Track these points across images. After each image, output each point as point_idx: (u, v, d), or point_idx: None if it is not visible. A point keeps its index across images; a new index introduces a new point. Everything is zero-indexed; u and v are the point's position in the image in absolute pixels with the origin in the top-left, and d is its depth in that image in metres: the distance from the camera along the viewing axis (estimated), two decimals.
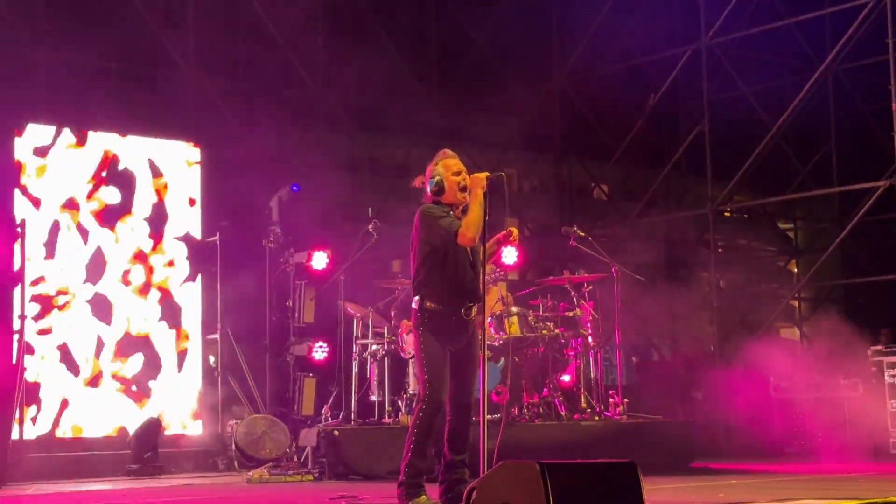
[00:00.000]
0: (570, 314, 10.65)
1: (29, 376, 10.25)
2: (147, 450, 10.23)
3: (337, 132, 14.82)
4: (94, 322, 10.97)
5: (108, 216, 11.14)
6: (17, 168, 10.62)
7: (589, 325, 10.70)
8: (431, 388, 6.29)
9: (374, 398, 10.41)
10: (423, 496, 6.27)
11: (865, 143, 16.51)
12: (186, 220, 11.60)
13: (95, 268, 11.02)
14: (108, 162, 11.18)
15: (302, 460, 9.97)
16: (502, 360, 10.10)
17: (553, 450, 9.26)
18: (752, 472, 10.03)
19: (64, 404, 10.73)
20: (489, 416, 6.55)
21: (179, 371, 11.40)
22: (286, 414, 11.18)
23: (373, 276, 11.15)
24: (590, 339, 10.69)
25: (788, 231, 19.71)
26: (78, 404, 10.79)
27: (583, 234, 11.04)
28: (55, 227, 10.83)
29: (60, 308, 10.80)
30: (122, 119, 11.55)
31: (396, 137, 15.47)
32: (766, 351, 12.69)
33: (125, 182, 11.25)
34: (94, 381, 10.90)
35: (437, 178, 6.43)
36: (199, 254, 11.55)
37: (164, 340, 11.33)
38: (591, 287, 10.96)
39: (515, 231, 6.58)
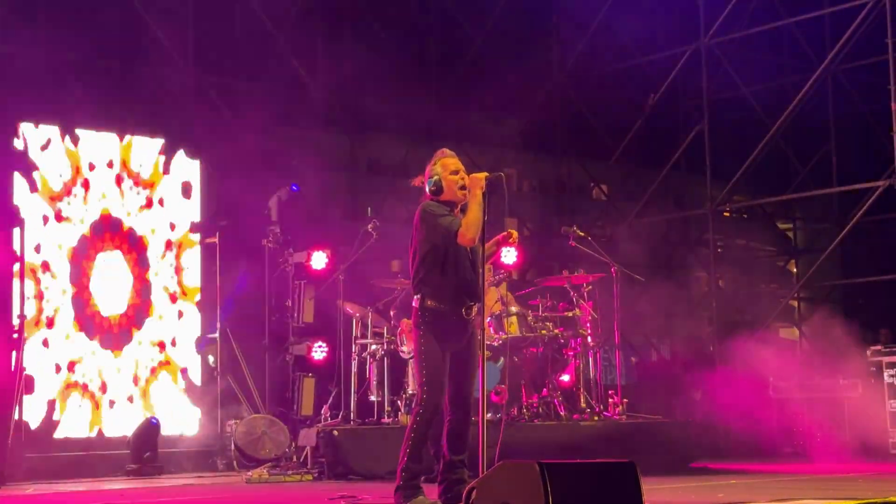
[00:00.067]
0: (570, 314, 10.65)
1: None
2: (146, 450, 10.23)
3: (336, 132, 14.82)
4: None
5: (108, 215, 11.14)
6: (15, 168, 10.60)
7: (588, 324, 10.70)
8: (429, 391, 6.29)
9: (373, 398, 10.40)
10: (421, 496, 6.27)
11: (865, 143, 16.52)
12: (186, 219, 11.59)
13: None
14: (108, 162, 11.18)
15: (301, 460, 9.97)
16: (501, 359, 10.09)
17: (552, 450, 9.25)
18: (752, 472, 10.03)
19: (63, 403, 10.73)
20: (488, 416, 6.53)
21: (178, 371, 11.39)
22: (285, 414, 11.17)
23: (372, 275, 11.15)
24: (589, 339, 10.69)
25: (788, 231, 19.71)
26: (78, 404, 10.79)
27: (582, 233, 11.04)
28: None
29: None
30: (120, 119, 11.53)
31: (396, 137, 15.47)
32: (763, 350, 12.69)
33: (125, 182, 11.25)
34: (93, 381, 10.90)
35: (435, 177, 6.44)
36: (199, 253, 11.55)
37: (163, 339, 11.33)
38: (590, 287, 10.96)
39: (515, 233, 6.59)
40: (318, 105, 14.46)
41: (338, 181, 14.66)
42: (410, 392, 9.90)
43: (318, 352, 11.52)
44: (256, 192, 12.11)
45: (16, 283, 10.10)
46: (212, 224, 11.55)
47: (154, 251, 11.39)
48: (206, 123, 12.57)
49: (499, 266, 10.47)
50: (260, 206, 12.08)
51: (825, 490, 7.67)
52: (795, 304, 17.20)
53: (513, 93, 16.02)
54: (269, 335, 11.55)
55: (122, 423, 10.91)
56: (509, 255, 10.84)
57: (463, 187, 6.38)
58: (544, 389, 10.33)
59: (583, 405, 10.45)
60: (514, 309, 10.37)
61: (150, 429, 10.40)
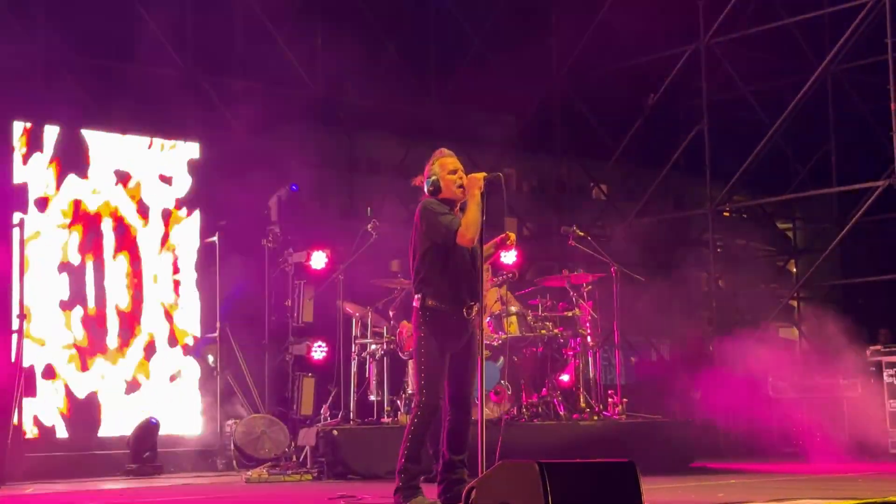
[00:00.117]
0: (569, 314, 10.65)
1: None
2: (146, 449, 10.23)
3: (336, 131, 14.83)
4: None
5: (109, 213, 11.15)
6: (14, 168, 10.60)
7: (588, 324, 10.70)
8: (428, 391, 6.29)
9: (372, 398, 10.40)
10: (420, 496, 6.27)
11: (864, 143, 16.52)
12: (185, 218, 11.59)
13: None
14: (108, 161, 11.18)
15: (301, 460, 9.97)
16: (501, 359, 10.10)
17: (552, 449, 9.25)
18: (751, 471, 10.03)
19: (64, 403, 10.73)
20: (488, 415, 6.54)
21: (178, 370, 11.39)
22: (285, 413, 11.17)
23: (372, 275, 11.15)
24: (589, 338, 10.69)
25: (787, 231, 19.73)
26: (77, 403, 10.79)
27: (582, 233, 11.04)
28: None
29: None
30: (120, 118, 11.54)
31: (395, 137, 15.48)
32: (763, 350, 12.69)
33: (124, 182, 11.26)
34: (93, 380, 10.90)
35: (433, 177, 6.45)
36: (199, 253, 11.55)
37: (163, 340, 11.32)
38: (590, 287, 10.95)
39: (512, 235, 6.59)
40: (318, 104, 14.47)
41: (337, 181, 14.67)
42: (410, 392, 9.90)
43: (318, 351, 11.53)
44: (256, 192, 12.11)
45: (15, 282, 10.10)
46: (212, 224, 11.55)
47: (150, 252, 11.39)
48: (205, 123, 12.57)
49: (499, 267, 10.47)
50: (259, 205, 12.09)
51: (824, 490, 7.67)
52: (795, 303, 17.21)
53: (512, 92, 16.04)
54: (269, 335, 11.55)
55: (120, 422, 10.92)
56: (509, 255, 10.85)
57: (461, 187, 6.39)
58: (544, 389, 10.33)
59: (582, 405, 10.44)
60: (513, 309, 10.37)
61: (150, 428, 10.39)
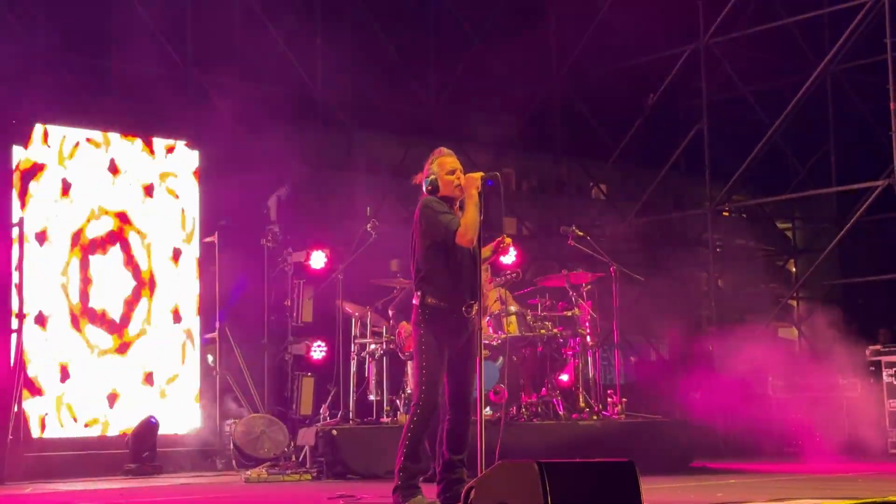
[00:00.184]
0: (569, 313, 10.65)
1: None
2: (145, 449, 10.23)
3: (335, 131, 14.82)
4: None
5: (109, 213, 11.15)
6: (14, 168, 10.60)
7: (587, 324, 10.70)
8: (427, 390, 6.29)
9: (372, 397, 10.40)
10: (420, 496, 6.27)
11: (864, 142, 16.52)
12: (185, 218, 11.59)
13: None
14: (107, 161, 11.19)
15: (300, 460, 9.97)
16: (500, 359, 10.09)
17: (551, 449, 9.25)
18: (751, 471, 10.03)
19: (63, 402, 10.73)
20: (487, 415, 6.54)
21: (178, 370, 11.39)
22: (284, 413, 11.18)
23: (371, 275, 11.15)
24: (588, 338, 10.69)
25: (787, 231, 19.72)
26: (76, 402, 10.79)
27: (581, 233, 11.04)
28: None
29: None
30: (119, 117, 11.54)
31: (395, 136, 15.47)
32: (762, 350, 12.70)
33: (125, 181, 11.26)
34: (91, 379, 10.91)
35: (431, 177, 6.46)
36: (198, 252, 11.55)
37: (162, 339, 11.32)
38: (589, 286, 10.95)
39: (508, 239, 6.59)
40: (317, 104, 14.47)
41: (337, 180, 14.66)
42: (409, 391, 9.90)
43: (317, 351, 11.53)
44: (255, 192, 12.11)
45: (15, 281, 10.10)
46: (211, 223, 11.55)
47: (148, 252, 11.39)
48: (204, 122, 12.57)
49: (500, 267, 10.47)
50: (258, 205, 12.09)
51: (824, 490, 7.67)
52: (794, 303, 17.21)
53: (512, 92, 16.03)
54: (268, 335, 11.56)
55: (120, 422, 10.92)
56: (508, 256, 10.84)
57: (459, 186, 6.39)
58: (543, 389, 10.33)
59: (582, 405, 10.44)
60: (513, 308, 10.37)
61: (149, 428, 10.39)
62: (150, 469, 10.13)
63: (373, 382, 10.42)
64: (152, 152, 11.47)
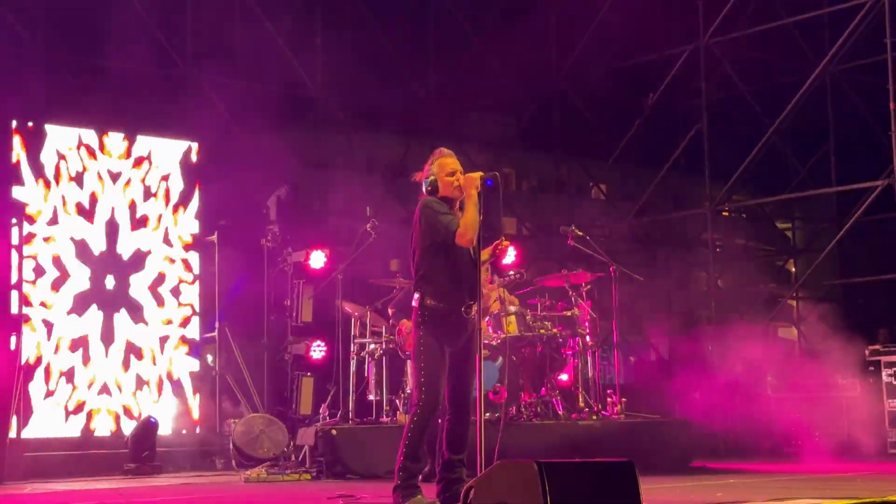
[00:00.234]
0: (568, 313, 10.65)
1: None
2: (144, 449, 10.22)
3: (335, 131, 14.82)
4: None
5: (109, 213, 11.14)
6: (13, 165, 10.60)
7: (587, 324, 10.70)
8: (427, 390, 6.29)
9: (371, 397, 10.40)
10: (420, 496, 6.27)
11: (863, 142, 16.52)
12: (184, 218, 11.59)
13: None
14: (106, 160, 11.19)
15: (300, 459, 9.97)
16: (500, 359, 10.09)
17: (551, 449, 9.25)
18: (750, 471, 10.03)
19: (63, 402, 10.73)
20: (486, 415, 6.54)
21: (178, 370, 11.40)
22: (284, 413, 11.17)
23: (371, 275, 11.14)
24: (588, 338, 10.69)
25: (786, 231, 19.73)
26: (76, 402, 10.79)
27: (581, 233, 11.04)
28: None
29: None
30: (119, 117, 11.53)
31: (394, 136, 15.48)
32: (762, 350, 12.70)
33: (125, 180, 11.26)
34: (91, 379, 10.91)
35: (431, 178, 6.46)
36: (198, 252, 11.55)
37: (162, 339, 11.33)
38: (588, 286, 10.95)
39: (506, 242, 6.60)
40: (317, 103, 14.47)
41: (336, 180, 14.66)
42: (409, 391, 9.89)
43: (317, 351, 11.53)
44: (254, 192, 12.11)
45: (14, 280, 10.10)
46: (210, 223, 11.55)
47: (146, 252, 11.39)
48: (203, 121, 12.57)
49: (502, 267, 10.47)
50: (258, 205, 12.09)
51: (823, 490, 7.67)
52: (794, 303, 17.22)
53: (511, 92, 16.03)
54: (268, 334, 11.55)
55: (119, 422, 10.92)
56: (508, 256, 10.84)
57: (458, 187, 6.39)
58: (543, 389, 10.33)
59: (581, 404, 10.45)
60: (512, 308, 10.36)
61: (149, 428, 10.39)
62: (150, 469, 10.12)
63: (372, 382, 10.41)
64: (152, 151, 11.46)
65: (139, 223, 11.32)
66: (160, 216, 11.44)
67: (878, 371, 12.03)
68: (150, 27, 12.96)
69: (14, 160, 10.61)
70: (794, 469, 10.22)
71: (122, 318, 11.13)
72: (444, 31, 15.93)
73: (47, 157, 10.86)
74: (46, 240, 10.79)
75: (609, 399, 10.65)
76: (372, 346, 10.43)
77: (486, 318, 10.06)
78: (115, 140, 11.30)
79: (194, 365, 11.49)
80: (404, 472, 6.28)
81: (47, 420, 10.63)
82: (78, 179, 11.01)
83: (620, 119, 16.56)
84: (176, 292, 11.46)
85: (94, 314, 10.99)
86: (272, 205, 11.97)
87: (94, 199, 11.09)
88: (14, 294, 10.05)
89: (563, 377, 10.67)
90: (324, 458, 9.50)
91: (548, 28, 16.72)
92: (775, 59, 16.77)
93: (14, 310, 10.00)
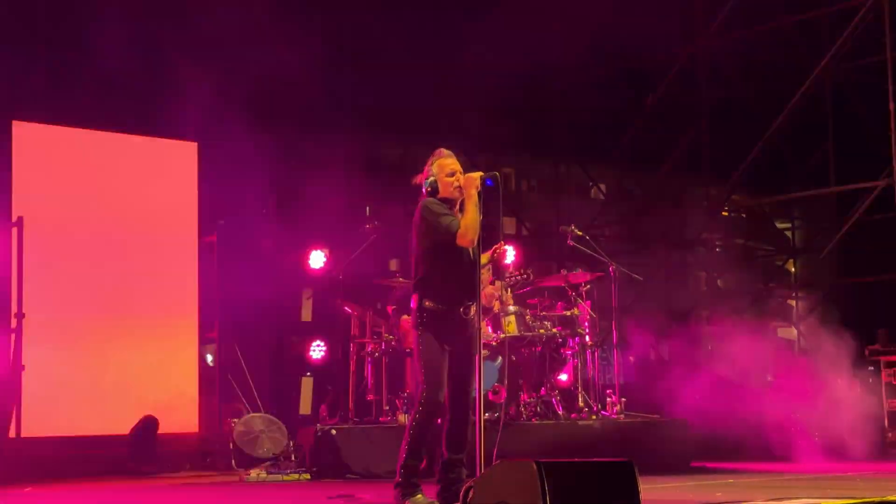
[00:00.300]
0: (568, 313, 10.65)
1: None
2: (144, 449, 10.22)
3: (334, 131, 14.81)
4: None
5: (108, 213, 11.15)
6: (13, 166, 10.61)
7: (586, 324, 10.71)
8: (429, 390, 6.30)
9: (371, 397, 10.41)
10: (420, 495, 6.27)
11: (863, 142, 16.52)
12: (184, 218, 11.59)
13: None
14: (108, 160, 11.19)
15: (299, 459, 9.96)
16: (500, 359, 10.09)
17: (550, 449, 9.25)
18: (749, 471, 10.03)
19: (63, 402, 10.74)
20: (486, 415, 6.54)
21: (177, 369, 11.40)
22: (284, 413, 11.17)
23: (371, 275, 11.15)
24: (587, 338, 10.69)
25: (786, 231, 19.72)
26: (75, 402, 10.79)
27: (580, 233, 11.04)
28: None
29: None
30: (119, 117, 11.54)
31: (394, 135, 15.48)
32: (762, 350, 12.70)
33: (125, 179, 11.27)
34: (91, 379, 10.91)
35: (431, 178, 6.47)
36: (198, 252, 11.56)
37: (162, 339, 11.33)
38: (588, 286, 10.96)
39: (504, 247, 6.61)
40: (317, 103, 14.46)
41: (336, 180, 14.65)
42: (409, 391, 9.90)
43: (317, 351, 11.55)
44: (255, 191, 12.11)
45: (13, 281, 10.10)
46: (211, 223, 11.56)
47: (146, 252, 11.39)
48: (203, 121, 12.57)
49: (503, 268, 10.48)
50: (258, 205, 12.09)
51: (822, 489, 7.67)
52: (794, 303, 17.22)
53: (511, 91, 16.03)
54: (268, 334, 11.56)
55: (119, 422, 10.92)
56: (507, 256, 10.85)
57: (459, 188, 6.40)
58: (542, 389, 10.33)
59: (581, 404, 10.45)
60: (512, 308, 10.37)
61: (149, 427, 10.39)
62: (150, 468, 10.13)
63: (372, 382, 10.42)
64: (152, 151, 11.46)
65: (139, 223, 11.32)
66: (160, 216, 11.44)
67: (878, 371, 12.04)
68: (149, 25, 12.95)
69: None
70: (794, 469, 10.22)
71: (121, 317, 11.12)
72: (443, 30, 15.92)
73: (44, 156, 10.86)
74: (47, 240, 10.79)
75: (608, 399, 10.65)
76: (371, 346, 10.44)
77: (485, 318, 10.07)
78: (116, 140, 11.29)
79: (194, 364, 11.48)
80: (406, 469, 6.30)
81: (47, 420, 10.63)
82: (78, 179, 11.01)
83: (620, 119, 16.56)
84: (176, 292, 11.46)
85: (94, 314, 10.98)
86: (272, 205, 11.98)
87: (94, 199, 11.09)
88: (13, 293, 10.06)
89: (563, 377, 10.68)
90: (323, 459, 9.50)
91: (548, 28, 16.71)
92: (775, 59, 16.77)
93: (13, 309, 10.01)
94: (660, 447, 10.10)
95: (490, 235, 6.54)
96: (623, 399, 10.65)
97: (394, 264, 13.70)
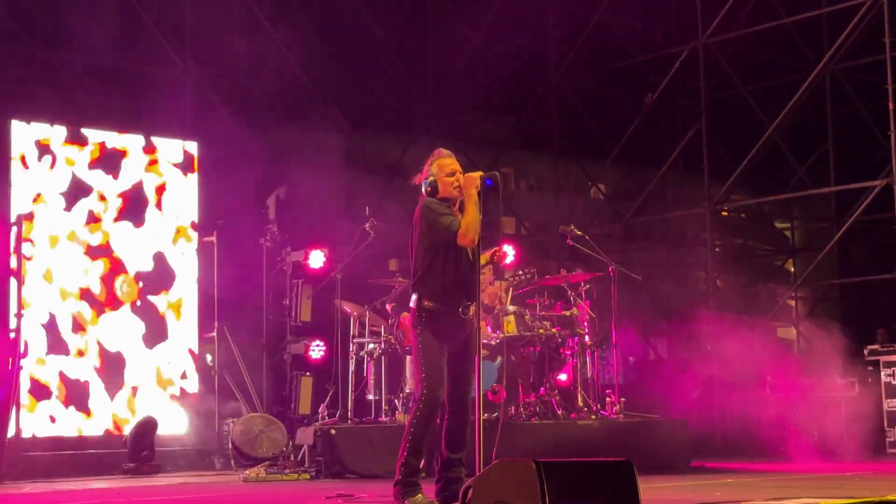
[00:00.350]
0: (567, 313, 10.65)
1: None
2: (143, 448, 10.22)
3: (334, 130, 14.82)
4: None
5: (108, 213, 11.14)
6: (11, 166, 10.60)
7: (586, 324, 10.70)
8: (429, 388, 6.30)
9: (370, 397, 10.41)
10: (420, 494, 6.27)
11: (862, 142, 16.53)
12: (184, 218, 11.59)
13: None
14: (107, 159, 11.19)
15: (298, 459, 9.97)
16: (499, 358, 10.09)
17: (549, 449, 9.25)
18: (749, 470, 10.04)
19: (62, 402, 10.73)
20: (485, 415, 6.55)
21: (177, 369, 11.40)
22: (283, 413, 11.17)
23: (370, 274, 11.14)
24: (586, 338, 10.69)
25: (785, 230, 19.74)
26: (75, 402, 10.79)
27: (579, 232, 11.04)
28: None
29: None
30: (118, 116, 11.53)
31: (393, 136, 15.48)
32: (761, 350, 12.70)
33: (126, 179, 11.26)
34: (91, 379, 10.91)
35: (430, 178, 6.46)
36: (197, 252, 11.55)
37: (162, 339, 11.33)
38: (587, 286, 10.96)
39: (503, 250, 6.60)
40: (316, 103, 14.47)
41: (335, 179, 14.66)
42: (408, 391, 9.90)
43: (316, 351, 11.53)
44: (254, 191, 12.10)
45: (13, 281, 10.10)
46: (210, 223, 11.55)
47: (146, 252, 11.39)
48: (202, 120, 12.57)
49: (505, 268, 10.48)
50: (257, 204, 12.08)
51: (822, 489, 7.67)
52: (793, 303, 17.22)
53: (511, 91, 16.04)
54: (267, 334, 11.55)
55: (118, 421, 10.92)
56: (507, 257, 10.84)
57: (458, 188, 6.39)
58: (542, 388, 10.33)
59: (580, 404, 10.45)
60: (511, 308, 10.36)
61: (148, 427, 10.39)
62: (149, 468, 10.12)
63: (371, 382, 10.42)
64: (151, 151, 11.45)
65: (138, 222, 11.31)
66: (159, 216, 11.44)
67: (877, 371, 12.04)
68: (149, 25, 12.96)
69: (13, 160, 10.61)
70: (793, 468, 10.22)
71: (120, 317, 11.13)
72: (442, 29, 15.93)
73: (45, 156, 10.85)
74: (47, 238, 10.79)
75: (608, 399, 10.64)
76: (371, 345, 10.44)
77: (487, 318, 10.06)
78: (115, 139, 11.28)
79: (193, 364, 11.48)
80: (406, 468, 6.30)
81: (46, 419, 10.63)
82: (78, 179, 11.00)
83: (619, 119, 16.56)
84: (175, 292, 11.45)
85: (93, 313, 10.98)
86: (271, 204, 11.96)
87: (93, 198, 11.08)
88: (13, 293, 10.06)
89: (562, 377, 10.67)
90: (323, 458, 9.51)
91: (547, 27, 16.72)
92: (775, 58, 16.77)
93: (13, 309, 10.01)
94: (659, 447, 10.10)
95: (490, 235, 6.54)
96: (622, 399, 10.65)
97: (393, 264, 13.70)
